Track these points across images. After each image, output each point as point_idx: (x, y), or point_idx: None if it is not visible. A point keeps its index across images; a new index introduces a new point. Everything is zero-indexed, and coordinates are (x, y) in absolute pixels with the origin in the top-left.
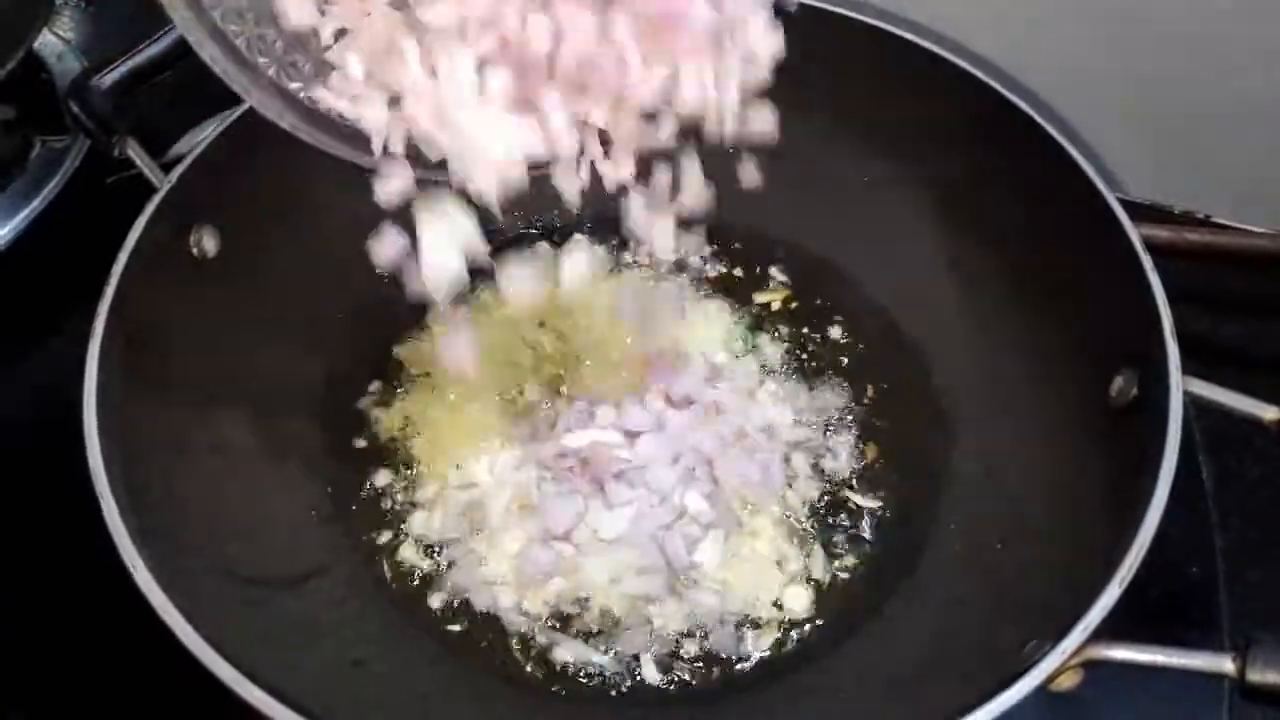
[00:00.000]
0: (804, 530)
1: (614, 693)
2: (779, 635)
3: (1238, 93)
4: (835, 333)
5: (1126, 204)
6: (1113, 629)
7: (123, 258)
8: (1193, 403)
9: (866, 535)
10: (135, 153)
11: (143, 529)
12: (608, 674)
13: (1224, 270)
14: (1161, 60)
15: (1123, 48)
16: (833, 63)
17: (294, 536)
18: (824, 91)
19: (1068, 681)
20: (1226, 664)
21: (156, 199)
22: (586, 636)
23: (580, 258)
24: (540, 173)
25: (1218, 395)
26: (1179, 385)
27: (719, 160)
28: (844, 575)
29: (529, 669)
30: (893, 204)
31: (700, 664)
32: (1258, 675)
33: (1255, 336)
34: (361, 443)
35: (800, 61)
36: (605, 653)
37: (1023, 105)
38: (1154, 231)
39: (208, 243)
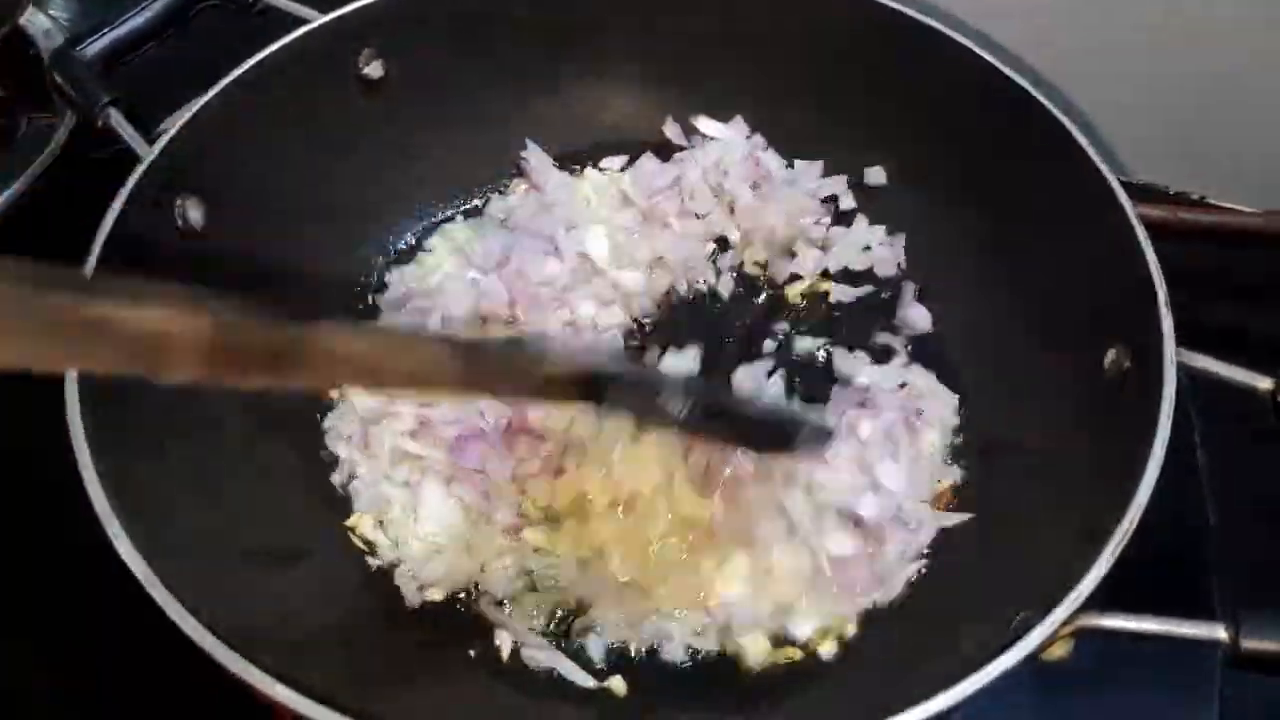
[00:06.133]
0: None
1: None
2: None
3: (1234, 77)
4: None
5: (1124, 184)
6: (1106, 600)
7: (107, 225)
8: (1188, 377)
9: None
10: (119, 123)
11: (126, 502)
12: (594, 678)
13: (1218, 249)
14: (1161, 44)
15: (1123, 30)
16: (829, 33)
17: (284, 514)
18: (819, 64)
19: (1059, 651)
20: (1219, 632)
21: (141, 167)
22: (581, 648)
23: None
24: None
25: (1212, 366)
26: (1172, 357)
27: None
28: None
29: (518, 665)
30: (890, 177)
31: (689, 651)
32: (1252, 643)
33: (1248, 314)
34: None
35: (796, 30)
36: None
37: (1025, 84)
38: (1150, 211)
39: (193, 214)
